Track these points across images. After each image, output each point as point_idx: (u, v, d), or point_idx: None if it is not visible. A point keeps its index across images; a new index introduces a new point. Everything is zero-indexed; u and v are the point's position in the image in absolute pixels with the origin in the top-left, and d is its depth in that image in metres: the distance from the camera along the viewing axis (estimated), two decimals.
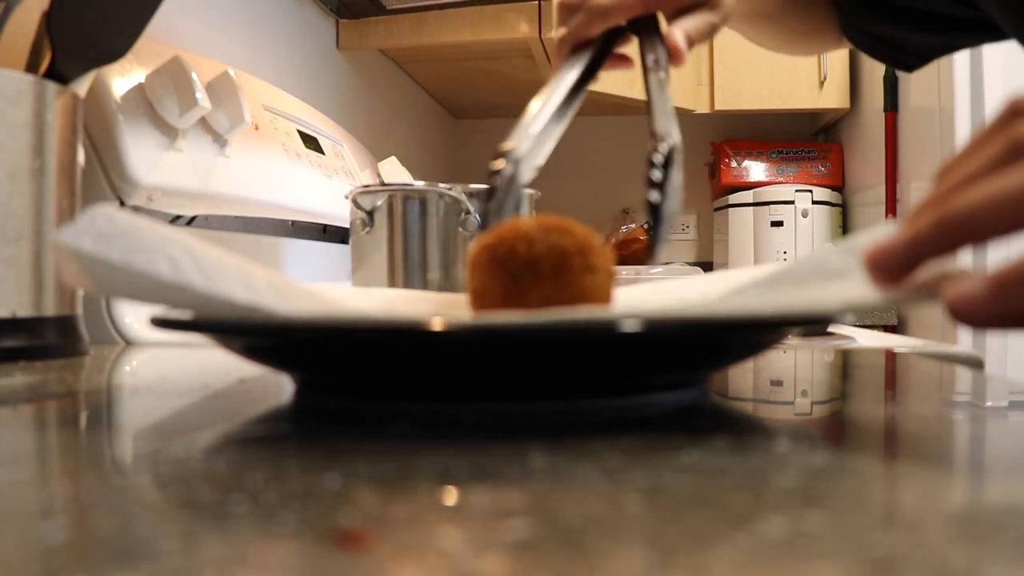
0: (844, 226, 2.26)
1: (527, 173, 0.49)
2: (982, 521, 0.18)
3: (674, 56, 0.58)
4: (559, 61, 0.59)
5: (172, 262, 0.29)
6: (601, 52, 0.59)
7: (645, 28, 0.59)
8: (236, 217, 0.95)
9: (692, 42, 0.59)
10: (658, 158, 0.48)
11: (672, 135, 0.49)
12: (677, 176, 0.48)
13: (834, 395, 0.40)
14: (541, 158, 0.50)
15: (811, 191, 2.17)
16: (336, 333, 0.29)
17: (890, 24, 0.70)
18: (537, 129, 0.50)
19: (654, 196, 0.47)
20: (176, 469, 0.23)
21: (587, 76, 0.58)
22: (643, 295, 0.44)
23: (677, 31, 0.58)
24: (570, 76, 0.56)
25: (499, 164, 0.48)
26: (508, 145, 0.48)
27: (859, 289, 0.28)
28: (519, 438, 0.26)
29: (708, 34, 0.60)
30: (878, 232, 0.33)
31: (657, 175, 0.47)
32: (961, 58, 1.54)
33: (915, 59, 0.74)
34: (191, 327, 0.32)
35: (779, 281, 0.32)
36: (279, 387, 0.38)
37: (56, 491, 0.21)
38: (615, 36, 0.60)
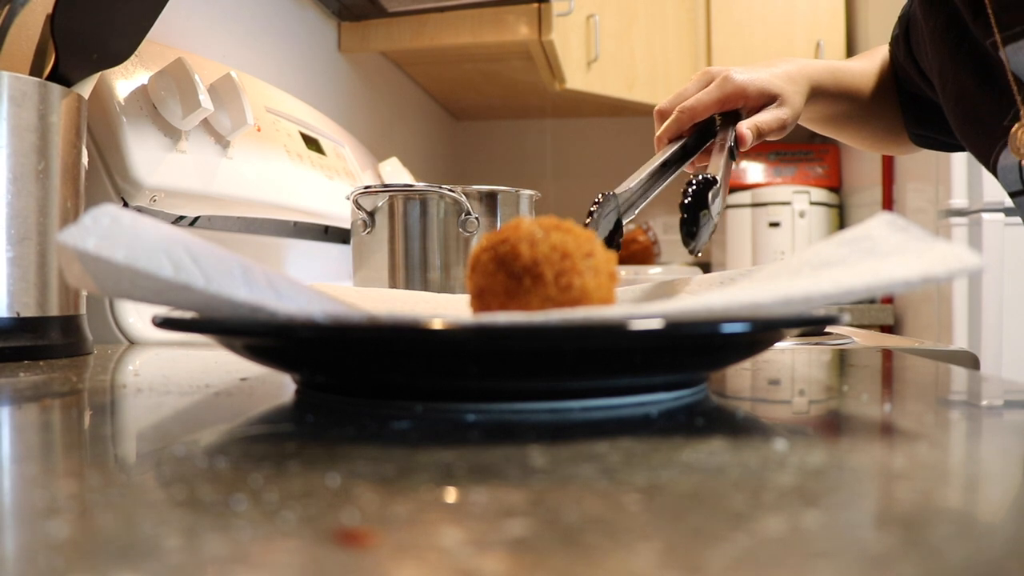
0: (841, 227, 2.26)
1: (623, 208, 0.60)
2: (978, 520, 0.18)
3: (739, 141, 0.70)
4: (658, 151, 0.73)
5: (175, 262, 0.30)
6: (695, 139, 0.73)
7: (727, 117, 0.74)
8: (238, 218, 0.96)
9: (761, 134, 0.72)
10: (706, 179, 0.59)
11: (719, 182, 0.60)
12: (718, 203, 0.59)
13: (831, 394, 0.40)
14: (636, 204, 0.62)
15: (808, 192, 2.17)
16: (337, 333, 0.29)
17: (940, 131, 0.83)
18: (634, 184, 0.61)
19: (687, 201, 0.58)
20: (178, 468, 0.23)
21: (681, 156, 0.71)
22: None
23: (746, 123, 0.71)
24: (666, 154, 0.69)
25: (598, 198, 0.58)
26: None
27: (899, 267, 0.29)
28: (519, 438, 0.27)
29: (777, 128, 0.74)
30: (871, 223, 0.33)
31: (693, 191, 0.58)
32: None
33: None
34: (193, 327, 0.32)
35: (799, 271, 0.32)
36: (280, 386, 0.38)
37: (60, 489, 0.21)
38: (705, 128, 0.74)
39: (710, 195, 0.57)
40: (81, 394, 0.40)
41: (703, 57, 2.24)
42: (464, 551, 0.16)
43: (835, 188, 2.27)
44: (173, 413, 0.34)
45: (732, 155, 0.69)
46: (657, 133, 0.74)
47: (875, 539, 0.17)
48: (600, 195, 0.58)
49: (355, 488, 0.21)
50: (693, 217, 0.56)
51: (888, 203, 1.93)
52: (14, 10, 0.62)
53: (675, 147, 0.70)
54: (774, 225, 2.17)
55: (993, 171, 0.72)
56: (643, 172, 0.64)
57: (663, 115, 0.74)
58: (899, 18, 0.85)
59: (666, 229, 2.57)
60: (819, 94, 0.80)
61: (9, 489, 0.22)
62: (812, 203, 2.16)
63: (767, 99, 0.74)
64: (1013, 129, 0.67)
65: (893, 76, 0.85)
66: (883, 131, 0.88)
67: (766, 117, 0.73)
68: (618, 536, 0.17)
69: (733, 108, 0.74)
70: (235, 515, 0.18)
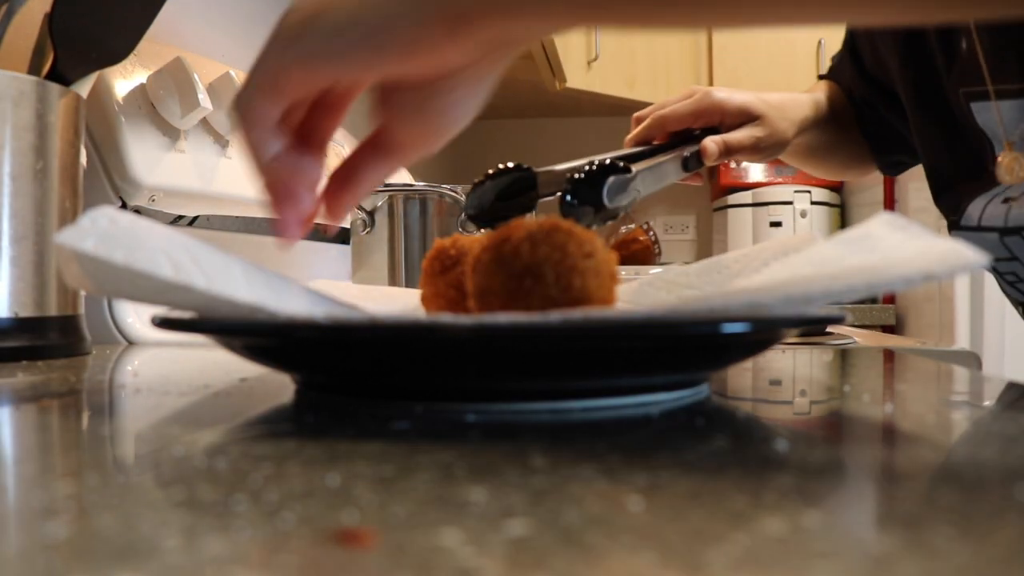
0: (843, 226, 2.26)
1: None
2: (980, 520, 0.18)
3: (702, 152, 0.69)
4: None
5: (174, 262, 0.30)
6: (661, 146, 0.71)
7: (706, 132, 0.72)
8: (237, 217, 0.96)
9: (730, 150, 0.71)
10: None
11: (634, 175, 0.55)
12: (621, 199, 0.54)
13: (833, 395, 0.40)
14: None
15: (810, 192, 2.17)
16: (337, 333, 0.29)
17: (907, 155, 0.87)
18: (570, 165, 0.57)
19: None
20: (177, 468, 0.23)
21: (643, 155, 0.68)
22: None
23: (715, 137, 0.71)
24: (624, 151, 0.66)
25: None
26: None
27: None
28: (519, 438, 0.26)
29: (749, 145, 0.73)
30: (870, 222, 0.33)
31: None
32: None
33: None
34: (193, 327, 0.32)
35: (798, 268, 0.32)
36: (280, 387, 0.38)
37: (58, 490, 0.21)
38: (681, 141, 0.71)
39: (607, 184, 0.51)
40: (79, 394, 0.40)
41: (704, 55, 2.24)
42: (464, 551, 0.16)
43: (836, 187, 2.27)
44: (172, 413, 0.34)
45: (686, 166, 0.68)
46: (628, 138, 0.73)
47: (876, 540, 0.17)
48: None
49: (355, 488, 0.20)
50: (578, 197, 0.51)
51: (889, 203, 1.93)
52: (12, 9, 0.62)
53: (640, 148, 0.69)
54: (775, 224, 2.17)
55: (958, 215, 0.74)
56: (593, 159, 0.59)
57: (639, 120, 0.74)
58: (843, 42, 0.87)
59: (667, 229, 2.57)
60: (807, 128, 0.80)
61: (7, 490, 0.22)
62: (813, 202, 2.16)
63: (746, 118, 0.74)
64: (999, 158, 0.68)
65: (851, 105, 0.87)
66: (850, 157, 0.90)
67: (739, 134, 0.72)
68: (618, 536, 0.17)
69: (710, 123, 0.73)
70: (234, 515, 0.18)
